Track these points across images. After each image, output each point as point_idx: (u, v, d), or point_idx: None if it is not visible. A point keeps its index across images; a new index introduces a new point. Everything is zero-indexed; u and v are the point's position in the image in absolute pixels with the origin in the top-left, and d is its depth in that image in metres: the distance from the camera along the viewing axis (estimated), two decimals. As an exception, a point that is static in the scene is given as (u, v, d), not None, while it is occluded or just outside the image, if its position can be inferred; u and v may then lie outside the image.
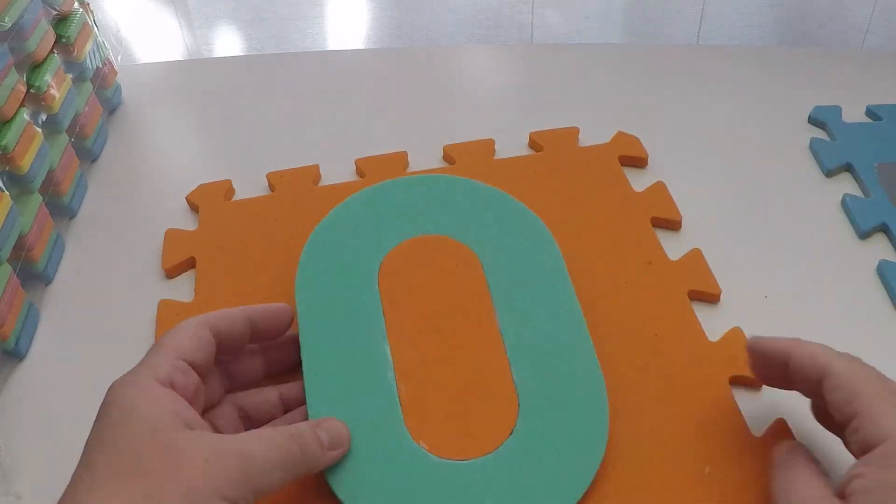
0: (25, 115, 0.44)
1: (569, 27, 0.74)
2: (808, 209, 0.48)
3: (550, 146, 0.52)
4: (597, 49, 0.66)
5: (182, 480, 0.28)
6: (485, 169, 0.50)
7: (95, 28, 0.55)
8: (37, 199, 0.45)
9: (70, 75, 0.51)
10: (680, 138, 0.53)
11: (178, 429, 0.29)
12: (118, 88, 0.59)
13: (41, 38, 0.47)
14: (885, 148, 0.51)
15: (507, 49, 0.68)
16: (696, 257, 0.44)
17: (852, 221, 0.47)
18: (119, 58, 0.59)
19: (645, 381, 0.38)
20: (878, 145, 0.51)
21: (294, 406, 0.36)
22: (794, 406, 0.37)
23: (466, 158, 0.51)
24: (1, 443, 0.38)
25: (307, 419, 0.35)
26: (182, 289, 0.45)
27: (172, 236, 0.47)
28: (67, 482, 0.28)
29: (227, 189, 0.50)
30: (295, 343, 0.38)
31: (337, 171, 0.51)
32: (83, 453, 0.29)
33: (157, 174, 0.54)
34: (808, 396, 0.34)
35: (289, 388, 0.37)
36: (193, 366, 0.32)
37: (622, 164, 0.50)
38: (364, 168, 0.51)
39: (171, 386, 0.31)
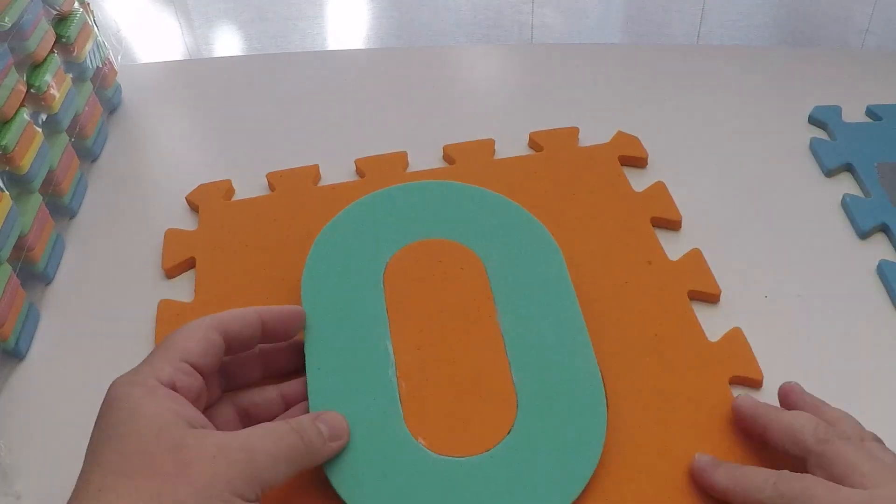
0: (25, 115, 0.44)
1: (569, 27, 0.74)
2: (808, 209, 0.48)
3: (550, 146, 0.52)
4: (597, 49, 0.66)
5: (192, 477, 0.28)
6: (485, 169, 0.50)
7: (95, 28, 0.55)
8: (37, 199, 0.45)
9: (70, 75, 0.51)
10: (680, 138, 0.53)
11: (183, 427, 0.29)
12: (118, 88, 0.59)
13: (41, 38, 0.47)
14: (885, 148, 0.51)
15: (507, 49, 0.68)
16: (695, 257, 0.44)
17: (852, 221, 0.47)
18: (119, 58, 0.59)
19: (644, 381, 0.38)
20: (878, 145, 0.51)
21: (295, 404, 0.36)
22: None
23: (466, 158, 0.51)
24: (1, 443, 0.38)
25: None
26: (182, 289, 0.45)
27: (172, 236, 0.47)
28: (67, 482, 0.28)
29: (227, 189, 0.50)
30: (296, 348, 0.38)
31: (337, 171, 0.51)
32: (88, 452, 0.29)
33: (156, 174, 0.54)
34: None
35: (290, 386, 0.37)
36: (197, 368, 0.32)
37: (622, 164, 0.50)
38: (364, 168, 0.51)
39: (173, 387, 0.31)
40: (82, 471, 0.29)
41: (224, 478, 0.28)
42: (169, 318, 0.43)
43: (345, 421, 0.34)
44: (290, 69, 0.63)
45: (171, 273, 0.46)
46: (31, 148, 0.44)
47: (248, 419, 0.36)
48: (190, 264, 0.46)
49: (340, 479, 0.34)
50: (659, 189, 0.48)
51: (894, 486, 0.30)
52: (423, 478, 0.34)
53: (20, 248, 0.43)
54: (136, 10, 0.72)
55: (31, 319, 0.43)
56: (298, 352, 0.38)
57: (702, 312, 0.42)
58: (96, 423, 0.30)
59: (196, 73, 0.65)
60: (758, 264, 0.45)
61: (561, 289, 0.40)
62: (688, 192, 0.48)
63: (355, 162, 0.51)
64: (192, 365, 0.32)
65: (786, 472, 0.32)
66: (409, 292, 0.40)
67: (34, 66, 0.47)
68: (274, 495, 0.34)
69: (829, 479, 0.31)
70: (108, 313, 0.44)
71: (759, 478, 0.32)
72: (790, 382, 0.37)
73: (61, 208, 0.49)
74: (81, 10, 0.53)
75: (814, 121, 0.54)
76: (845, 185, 0.49)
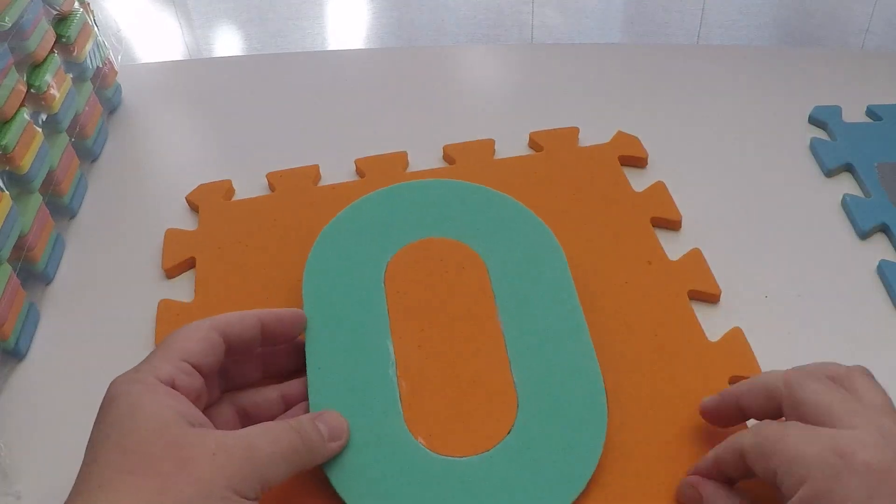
0: (25, 114, 0.44)
1: (569, 27, 0.74)
2: (808, 209, 0.48)
3: (550, 146, 0.52)
4: (597, 49, 0.66)
5: (192, 475, 0.28)
6: (485, 169, 0.50)
7: (95, 28, 0.55)
8: (37, 199, 0.45)
9: (70, 75, 0.51)
10: (680, 138, 0.53)
11: (183, 426, 0.29)
12: (118, 88, 0.59)
13: (41, 37, 0.47)
14: (885, 148, 0.51)
15: (507, 49, 0.68)
16: (695, 257, 0.44)
17: (852, 221, 0.47)
18: (119, 58, 0.59)
19: (644, 381, 0.38)
20: (878, 145, 0.51)
21: (295, 404, 0.36)
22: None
23: (466, 158, 0.51)
24: (1, 443, 0.38)
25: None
26: (182, 289, 0.45)
27: (172, 236, 0.47)
28: (67, 482, 0.28)
29: (227, 189, 0.50)
30: (296, 348, 0.38)
31: (337, 171, 0.51)
32: (88, 449, 0.29)
33: (156, 174, 0.54)
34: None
35: (290, 387, 0.37)
36: (197, 368, 0.33)
37: (622, 164, 0.50)
38: (364, 168, 0.51)
39: (173, 386, 0.31)
40: (82, 468, 0.29)
41: (224, 475, 0.28)
42: (169, 318, 0.43)
43: (345, 421, 0.34)
44: (290, 69, 0.63)
45: (171, 273, 0.46)
46: (31, 148, 0.44)
47: (247, 419, 0.36)
48: (190, 264, 0.46)
49: (340, 479, 0.34)
50: (659, 189, 0.48)
51: (865, 426, 0.29)
52: (422, 478, 0.34)
53: (20, 247, 0.43)
54: (136, 10, 0.72)
55: (31, 319, 0.43)
56: (298, 352, 0.38)
57: (702, 312, 0.42)
58: (96, 421, 0.30)
59: (196, 73, 0.65)
60: (758, 264, 0.45)
61: (562, 289, 0.40)
62: (687, 191, 0.48)
63: (355, 162, 0.51)
64: (192, 365, 0.32)
65: (768, 419, 0.31)
66: (411, 291, 0.40)
67: (34, 66, 0.47)
68: (274, 495, 0.34)
69: (805, 423, 0.30)
70: (108, 313, 0.44)
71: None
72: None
73: (61, 208, 0.49)
74: (81, 10, 0.53)
75: (814, 121, 0.54)
76: (845, 185, 0.49)
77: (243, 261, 0.45)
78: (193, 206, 0.50)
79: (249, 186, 0.51)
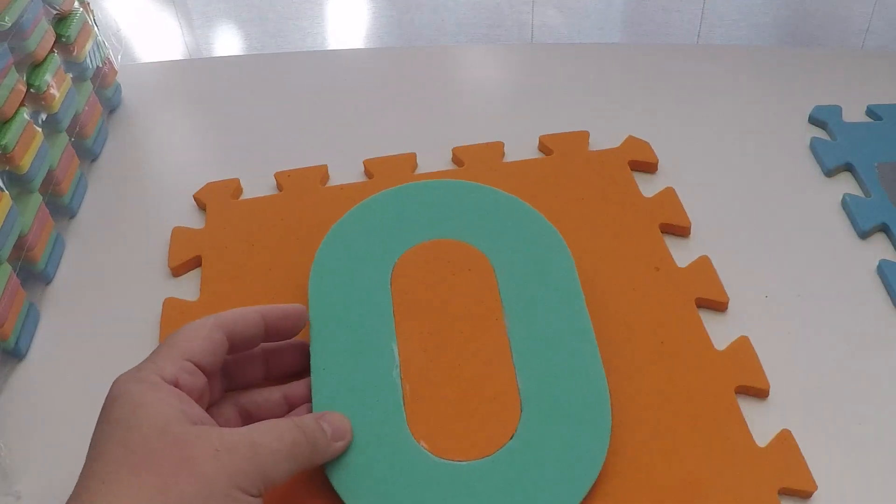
0: (25, 114, 0.44)
1: (569, 27, 0.74)
2: (808, 209, 0.48)
3: (560, 150, 0.51)
4: (597, 49, 0.66)
5: (195, 472, 0.28)
6: (494, 172, 0.50)
7: (95, 27, 0.55)
8: (37, 199, 0.45)
9: (70, 75, 0.51)
10: (680, 139, 0.53)
11: (186, 424, 0.29)
12: (118, 88, 0.59)
13: (41, 37, 0.47)
14: (885, 148, 0.51)
15: (513, 49, 0.68)
16: (704, 264, 0.44)
17: (852, 221, 0.47)
18: (119, 57, 0.59)
19: (650, 389, 0.38)
20: (878, 145, 0.51)
21: (298, 406, 0.36)
22: (800, 417, 0.37)
23: (475, 161, 0.51)
24: (1, 443, 0.38)
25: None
26: (186, 287, 0.45)
27: (179, 234, 0.47)
28: (67, 482, 0.28)
29: (234, 188, 0.50)
30: (298, 349, 0.38)
31: (345, 172, 0.51)
32: (91, 447, 0.29)
33: (157, 174, 0.54)
34: None
35: (293, 388, 0.37)
36: (200, 367, 0.33)
37: (632, 169, 0.50)
38: (372, 169, 0.51)
39: (176, 385, 0.31)
40: (85, 464, 0.29)
41: (227, 473, 0.28)
42: (174, 316, 0.43)
43: (348, 422, 0.34)
44: (290, 69, 0.63)
45: (177, 271, 0.46)
46: (31, 148, 0.44)
47: (249, 420, 0.36)
48: (196, 263, 0.46)
49: (341, 480, 0.34)
50: (669, 195, 0.48)
51: None
52: (423, 481, 0.34)
53: (20, 247, 0.43)
54: (136, 9, 0.72)
55: (31, 319, 0.43)
56: (301, 353, 0.38)
57: (709, 319, 0.41)
58: (99, 418, 0.30)
59: (196, 72, 0.65)
60: (758, 265, 0.45)
61: (570, 293, 0.40)
62: (691, 194, 0.48)
63: (364, 163, 0.51)
64: (195, 364, 0.32)
65: None
66: (417, 293, 0.40)
67: (34, 66, 0.47)
68: (274, 496, 0.34)
69: None
70: (109, 313, 0.44)
71: None
72: None
73: (61, 208, 0.49)
74: (81, 9, 0.53)
75: (814, 121, 0.54)
76: (845, 185, 0.49)
77: (250, 260, 0.45)
78: (201, 204, 0.50)
79: (257, 186, 0.51)
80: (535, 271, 0.41)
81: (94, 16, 0.55)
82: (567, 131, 0.52)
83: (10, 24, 0.43)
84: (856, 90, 0.56)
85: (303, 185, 0.50)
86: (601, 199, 0.48)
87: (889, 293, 0.43)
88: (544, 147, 0.52)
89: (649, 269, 0.44)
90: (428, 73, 0.61)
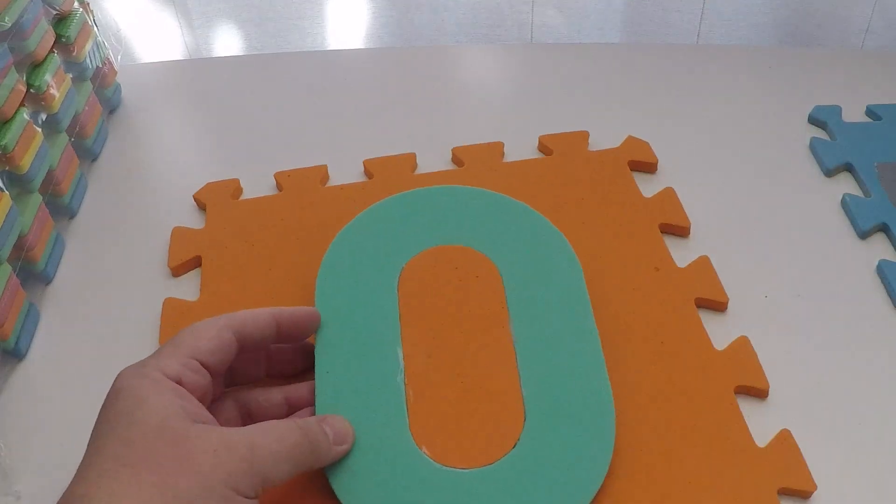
0: (25, 114, 0.44)
1: (569, 27, 0.74)
2: (808, 209, 0.48)
3: (560, 150, 0.51)
4: (597, 49, 0.66)
5: (193, 471, 0.28)
6: (494, 172, 0.50)
7: (95, 28, 0.55)
8: (37, 199, 0.45)
9: (70, 75, 0.51)
10: (681, 139, 0.53)
11: (186, 421, 0.29)
12: (118, 88, 0.59)
13: (41, 37, 0.47)
14: (885, 148, 0.51)
15: (512, 49, 0.68)
16: (703, 264, 0.44)
17: (852, 221, 0.47)
18: (119, 57, 0.59)
19: (650, 389, 0.38)
20: (878, 145, 0.51)
21: (299, 408, 0.36)
22: (799, 417, 0.37)
23: (475, 161, 0.51)
24: (1, 443, 0.38)
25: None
26: (186, 287, 0.45)
27: (179, 234, 0.47)
28: (67, 482, 0.28)
29: (234, 188, 0.50)
30: (301, 350, 0.38)
31: (345, 172, 0.51)
32: (91, 440, 0.29)
33: (157, 174, 0.54)
34: None
35: (295, 390, 0.36)
36: (206, 366, 0.32)
37: (632, 170, 0.50)
38: (372, 169, 0.51)
39: (179, 382, 0.31)
40: (84, 457, 0.29)
41: (224, 472, 0.28)
42: (174, 316, 0.43)
43: (350, 426, 0.34)
44: (290, 69, 0.63)
45: (176, 271, 0.46)
46: (31, 148, 0.44)
47: (250, 419, 0.36)
48: (196, 263, 0.46)
49: (341, 484, 0.33)
50: (668, 195, 0.48)
51: None
52: (423, 487, 0.33)
53: (20, 247, 0.43)
54: (136, 10, 0.72)
55: (31, 319, 0.43)
56: (303, 353, 0.38)
57: (708, 319, 0.41)
58: (100, 412, 0.30)
59: (196, 72, 0.65)
60: (758, 265, 0.45)
61: (577, 301, 0.39)
62: (691, 194, 0.48)
63: (364, 163, 0.51)
64: (201, 363, 0.32)
65: None
66: (423, 298, 0.40)
67: (34, 66, 0.47)
68: (274, 497, 0.34)
69: None
70: (109, 312, 0.44)
71: None
72: None
73: (61, 208, 0.49)
74: (81, 9, 0.53)
75: (814, 121, 0.54)
76: (845, 185, 0.49)
77: (250, 260, 0.45)
78: (201, 204, 0.50)
79: (257, 186, 0.51)
80: (542, 279, 0.40)
81: (93, 16, 0.55)
82: (567, 131, 0.52)
83: (10, 24, 0.43)
84: (855, 90, 0.56)
85: (303, 185, 0.50)
86: (601, 200, 0.48)
87: (889, 293, 0.43)
88: (544, 147, 0.52)
89: (649, 269, 0.44)
90: (428, 73, 0.61)
